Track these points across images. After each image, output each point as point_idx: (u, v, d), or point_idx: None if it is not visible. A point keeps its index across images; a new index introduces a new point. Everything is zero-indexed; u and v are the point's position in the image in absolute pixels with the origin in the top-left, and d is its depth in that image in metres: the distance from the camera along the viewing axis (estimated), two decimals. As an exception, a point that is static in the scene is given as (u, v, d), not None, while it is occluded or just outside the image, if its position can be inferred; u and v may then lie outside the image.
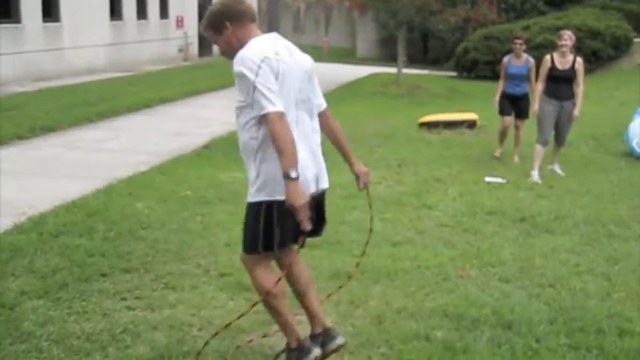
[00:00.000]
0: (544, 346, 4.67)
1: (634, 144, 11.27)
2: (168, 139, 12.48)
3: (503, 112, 11.15)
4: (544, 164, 10.01)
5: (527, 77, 10.91)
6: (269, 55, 3.78)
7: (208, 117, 15.05)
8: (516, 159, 10.93)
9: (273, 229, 3.92)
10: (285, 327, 4.23)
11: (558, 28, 25.90)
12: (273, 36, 4.01)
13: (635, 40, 27.35)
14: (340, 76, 25.80)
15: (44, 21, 21.58)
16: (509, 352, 4.58)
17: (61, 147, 11.51)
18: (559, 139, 10.04)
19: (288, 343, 4.28)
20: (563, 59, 9.67)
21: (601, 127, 14.14)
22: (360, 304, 5.32)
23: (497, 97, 11.14)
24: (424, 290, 5.63)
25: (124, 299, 5.32)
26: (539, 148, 9.84)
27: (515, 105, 11.07)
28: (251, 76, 3.72)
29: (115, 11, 25.81)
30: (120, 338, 4.67)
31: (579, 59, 9.72)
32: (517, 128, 11.14)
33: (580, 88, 9.73)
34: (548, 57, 9.81)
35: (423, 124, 14.02)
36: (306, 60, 4.08)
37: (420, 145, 12.19)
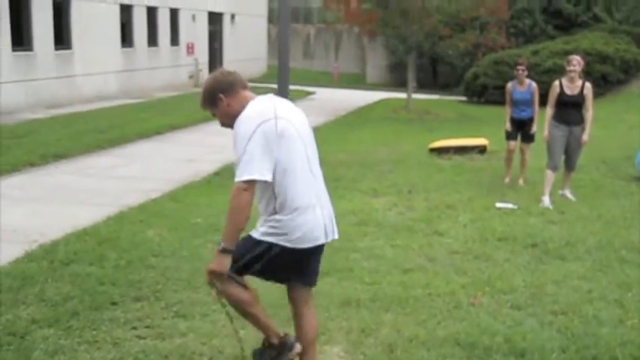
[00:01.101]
0: (557, 375, 4.63)
1: (645, 168, 11.24)
2: (178, 165, 12.52)
3: (508, 137, 11.21)
4: (555, 189, 9.98)
5: (531, 102, 10.96)
6: (269, 117, 3.90)
7: (219, 143, 15.07)
8: (521, 182, 10.96)
9: (258, 262, 4.07)
10: (266, 329, 4.39)
11: (567, 53, 25.96)
12: (271, 97, 4.14)
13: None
14: (350, 101, 25.91)
15: (56, 48, 21.74)
16: (521, 381, 4.56)
17: (72, 174, 11.55)
18: (569, 164, 10.02)
19: (267, 339, 4.42)
20: (572, 84, 9.67)
21: (611, 151, 14.10)
22: (371, 333, 5.29)
23: (507, 123, 11.16)
24: (436, 318, 5.59)
25: (135, 328, 5.31)
26: (549, 173, 9.82)
27: (520, 129, 11.12)
28: (243, 141, 3.84)
29: (126, 38, 25.99)
30: (131, 368, 4.67)
31: (588, 84, 9.72)
32: (523, 152, 11.15)
33: (589, 112, 9.72)
34: (557, 82, 9.82)
35: (433, 150, 14.02)
36: (303, 116, 4.22)
37: (431, 170, 12.18)
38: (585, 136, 9.74)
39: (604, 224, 8.63)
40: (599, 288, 6.34)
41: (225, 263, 3.95)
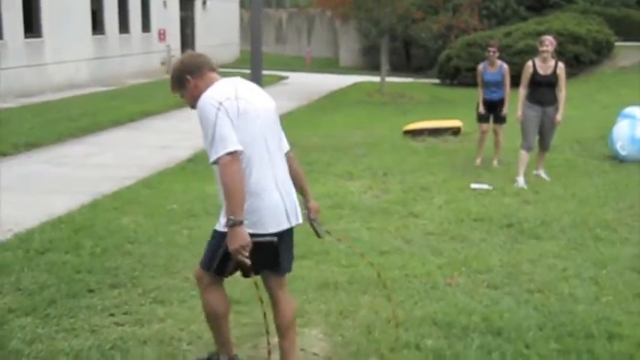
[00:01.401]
0: (534, 352, 4.68)
1: (618, 147, 11.33)
2: (152, 152, 12.46)
3: (480, 118, 11.28)
4: (529, 169, 10.04)
5: (502, 83, 11.01)
6: (229, 96, 3.86)
7: (192, 130, 14.93)
8: (495, 163, 11.05)
9: (230, 259, 3.95)
10: (224, 344, 4.40)
11: (540, 34, 26.02)
12: (236, 79, 4.10)
13: (617, 43, 27.55)
14: (324, 86, 25.88)
15: (26, 37, 21.49)
16: (499, 358, 4.59)
17: (45, 163, 11.46)
18: (543, 144, 10.09)
19: (217, 353, 4.44)
20: (545, 64, 9.72)
21: (585, 131, 14.21)
22: (349, 315, 5.31)
23: (480, 105, 11.22)
24: (413, 299, 5.62)
25: (112, 315, 5.29)
26: (523, 153, 9.87)
27: (492, 111, 11.18)
28: (209, 122, 3.79)
29: (97, 26, 25.74)
30: (109, 355, 4.65)
31: (561, 64, 9.77)
32: (496, 133, 11.22)
33: (562, 92, 9.77)
34: (530, 63, 9.86)
35: (407, 132, 14.05)
36: (269, 100, 4.16)
37: (405, 153, 12.21)
38: (559, 116, 9.80)
39: (578, 203, 8.70)
40: (574, 266, 6.40)
41: (242, 234, 3.75)
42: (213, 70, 4.13)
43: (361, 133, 14.62)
